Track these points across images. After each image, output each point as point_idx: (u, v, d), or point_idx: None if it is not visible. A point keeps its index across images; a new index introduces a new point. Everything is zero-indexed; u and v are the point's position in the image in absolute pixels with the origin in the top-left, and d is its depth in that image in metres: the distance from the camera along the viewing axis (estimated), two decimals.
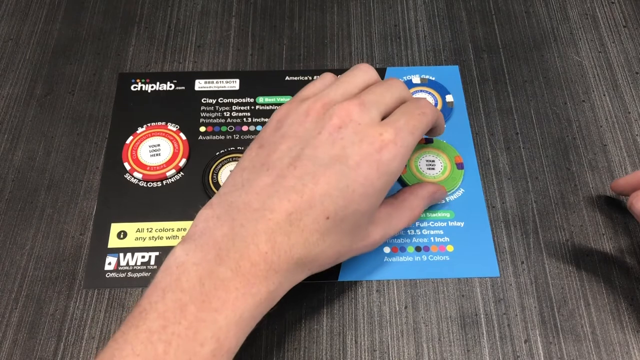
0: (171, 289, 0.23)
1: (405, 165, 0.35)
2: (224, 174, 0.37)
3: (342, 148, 0.26)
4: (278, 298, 0.26)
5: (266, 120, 0.39)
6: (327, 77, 0.31)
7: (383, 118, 0.29)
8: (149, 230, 0.35)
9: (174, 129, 0.39)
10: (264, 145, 0.28)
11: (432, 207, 0.36)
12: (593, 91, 0.41)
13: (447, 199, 0.37)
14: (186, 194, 0.36)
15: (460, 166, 0.37)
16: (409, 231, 0.35)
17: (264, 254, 0.24)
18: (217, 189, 0.36)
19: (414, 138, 0.28)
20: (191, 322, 0.23)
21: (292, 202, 0.25)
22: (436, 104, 0.40)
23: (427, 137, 0.38)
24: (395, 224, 0.31)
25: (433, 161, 0.37)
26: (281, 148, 0.27)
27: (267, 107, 0.41)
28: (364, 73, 0.31)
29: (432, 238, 0.35)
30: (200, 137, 0.39)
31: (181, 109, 0.40)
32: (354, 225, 0.27)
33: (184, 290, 0.23)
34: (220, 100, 0.41)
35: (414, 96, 0.33)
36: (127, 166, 0.37)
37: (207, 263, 0.24)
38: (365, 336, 0.32)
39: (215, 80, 0.42)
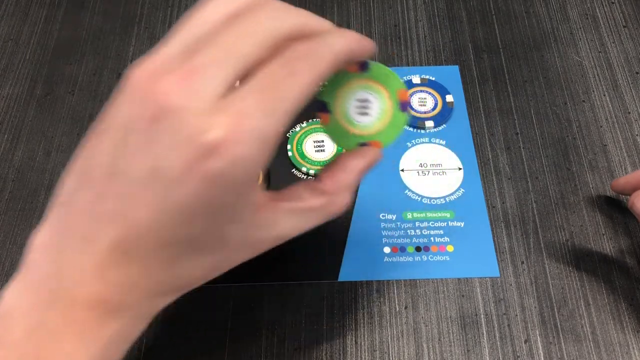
0: None
1: (328, 112, 0.26)
2: None
3: (157, 155, 0.18)
4: (137, 332, 0.22)
5: None
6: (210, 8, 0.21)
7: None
8: None
9: None
10: (96, 134, 0.20)
11: (432, 207, 0.36)
12: (593, 91, 0.41)
13: (447, 199, 0.37)
14: None
15: (404, 106, 0.26)
16: (409, 231, 0.35)
17: (98, 293, 0.20)
18: None
19: (277, 120, 0.19)
20: None
21: (118, 231, 0.19)
22: (436, 104, 0.40)
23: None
24: (296, 223, 0.23)
25: (366, 100, 0.26)
26: (100, 148, 0.20)
27: None
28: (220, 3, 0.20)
29: (432, 238, 0.35)
30: None
31: None
32: (215, 242, 0.21)
33: (9, 346, 0.19)
34: None
35: (313, 21, 0.21)
36: None
37: (36, 310, 0.20)
38: (365, 336, 0.32)
39: None
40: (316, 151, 0.38)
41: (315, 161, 0.38)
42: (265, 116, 0.19)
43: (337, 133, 0.26)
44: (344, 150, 0.26)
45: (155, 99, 0.18)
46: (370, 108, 0.26)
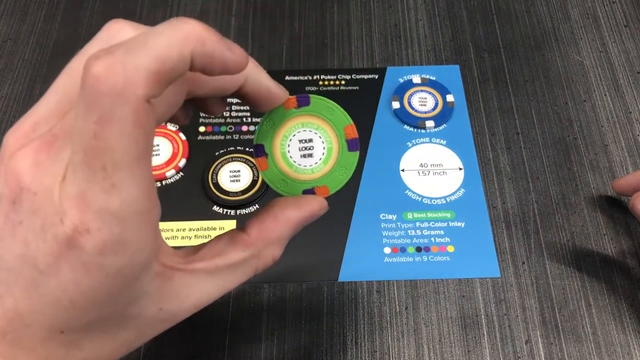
0: None
1: (266, 155, 0.23)
2: (223, 174, 0.37)
3: (25, 242, 0.16)
4: None
5: None
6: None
7: None
8: None
9: (174, 128, 0.39)
10: None
11: (432, 208, 0.36)
12: (594, 91, 0.41)
13: (447, 199, 0.36)
14: (186, 195, 0.36)
15: (352, 145, 0.23)
16: (409, 232, 0.35)
17: None
18: (217, 190, 0.36)
19: (123, 188, 0.15)
20: None
21: (0, 319, 0.17)
22: (437, 104, 0.40)
23: (301, 98, 0.23)
24: (217, 284, 0.20)
25: (309, 140, 0.23)
26: None
27: None
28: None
29: (432, 238, 0.35)
30: (200, 137, 0.39)
31: None
32: (120, 323, 0.19)
33: None
34: None
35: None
36: None
37: None
38: (366, 337, 0.32)
39: None
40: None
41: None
42: (104, 192, 0.15)
43: (278, 180, 0.23)
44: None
45: (13, 178, 0.16)
46: (314, 149, 0.23)
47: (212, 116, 0.40)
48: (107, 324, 0.18)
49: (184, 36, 0.16)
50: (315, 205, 0.22)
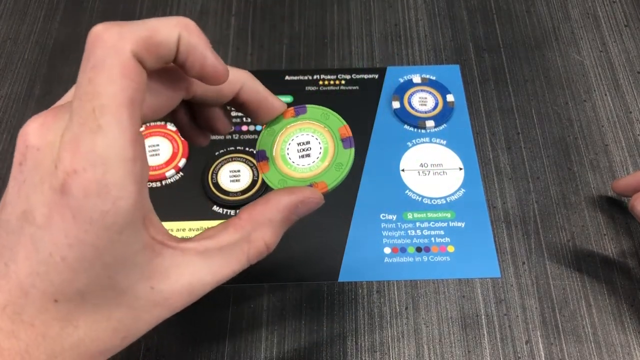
0: None
1: (267, 159, 0.25)
2: (223, 174, 0.37)
3: (27, 199, 0.17)
4: None
5: None
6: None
7: None
8: None
9: (174, 128, 0.39)
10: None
11: (432, 208, 0.36)
12: (594, 91, 0.41)
13: (447, 199, 0.36)
14: (186, 195, 0.36)
15: (347, 143, 0.24)
16: (409, 232, 0.35)
17: None
18: (217, 190, 0.36)
19: (110, 130, 0.17)
20: None
21: (1, 292, 0.18)
22: (437, 104, 0.40)
23: (295, 107, 0.25)
24: (210, 268, 0.20)
25: (307, 142, 0.25)
26: None
27: None
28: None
29: (432, 238, 0.35)
30: None
31: None
32: (111, 295, 0.19)
33: None
34: None
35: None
36: None
37: None
38: (366, 337, 0.32)
39: None
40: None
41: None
42: (91, 132, 0.16)
43: (277, 180, 0.24)
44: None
45: (22, 140, 0.18)
46: (312, 149, 0.25)
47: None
48: (99, 297, 0.18)
49: (175, 21, 0.18)
50: (307, 193, 0.22)
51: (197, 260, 0.20)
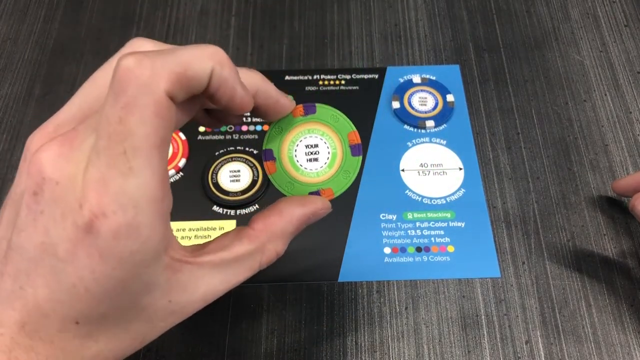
0: None
1: (274, 159, 0.24)
2: (223, 174, 0.37)
3: (46, 231, 0.17)
4: None
5: None
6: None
7: None
8: None
9: None
10: (1, 209, 0.20)
11: (432, 208, 0.36)
12: (594, 91, 0.41)
13: (447, 199, 0.36)
14: (186, 195, 0.36)
15: (355, 150, 0.24)
16: (409, 232, 0.35)
17: None
18: (217, 190, 0.36)
19: (139, 171, 0.17)
20: None
21: (19, 311, 0.18)
22: (437, 104, 0.40)
23: (305, 108, 0.25)
24: (224, 278, 0.21)
25: (315, 145, 0.24)
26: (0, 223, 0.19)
27: None
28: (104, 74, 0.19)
29: (432, 238, 0.35)
30: (200, 137, 0.39)
31: None
32: (132, 314, 0.19)
33: None
34: None
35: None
36: None
37: None
38: (366, 337, 0.32)
39: None
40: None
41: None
42: (122, 175, 0.16)
43: (285, 182, 0.24)
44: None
45: (36, 170, 0.17)
46: (320, 153, 0.24)
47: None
48: (120, 316, 0.19)
49: (208, 54, 0.18)
50: (319, 204, 0.23)
51: (212, 272, 0.21)
